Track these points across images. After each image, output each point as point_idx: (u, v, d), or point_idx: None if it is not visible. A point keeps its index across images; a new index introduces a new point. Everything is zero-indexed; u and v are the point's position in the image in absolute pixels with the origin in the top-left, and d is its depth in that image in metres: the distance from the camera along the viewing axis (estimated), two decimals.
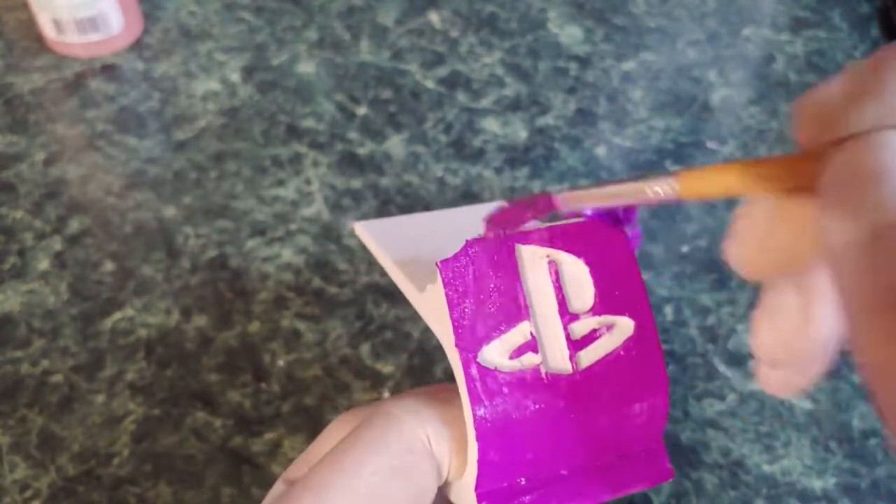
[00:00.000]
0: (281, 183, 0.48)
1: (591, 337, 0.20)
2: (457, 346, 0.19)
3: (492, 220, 0.21)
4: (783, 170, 0.15)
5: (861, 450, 0.38)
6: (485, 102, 0.53)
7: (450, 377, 0.38)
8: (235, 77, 0.54)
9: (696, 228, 0.47)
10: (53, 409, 0.38)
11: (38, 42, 0.56)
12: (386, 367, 0.40)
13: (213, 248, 0.45)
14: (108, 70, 0.55)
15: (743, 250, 0.18)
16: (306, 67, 0.55)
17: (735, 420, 0.39)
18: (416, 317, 0.42)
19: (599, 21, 0.60)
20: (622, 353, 0.20)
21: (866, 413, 0.39)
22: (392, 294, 0.43)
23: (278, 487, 0.21)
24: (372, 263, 0.44)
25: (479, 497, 0.19)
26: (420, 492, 0.19)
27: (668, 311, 0.43)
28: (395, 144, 0.50)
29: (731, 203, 0.48)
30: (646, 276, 0.44)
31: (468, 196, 0.48)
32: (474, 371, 0.19)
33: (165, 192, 0.47)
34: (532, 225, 0.21)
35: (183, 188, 0.48)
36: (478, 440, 0.19)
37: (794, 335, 0.17)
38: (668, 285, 0.44)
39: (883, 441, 0.38)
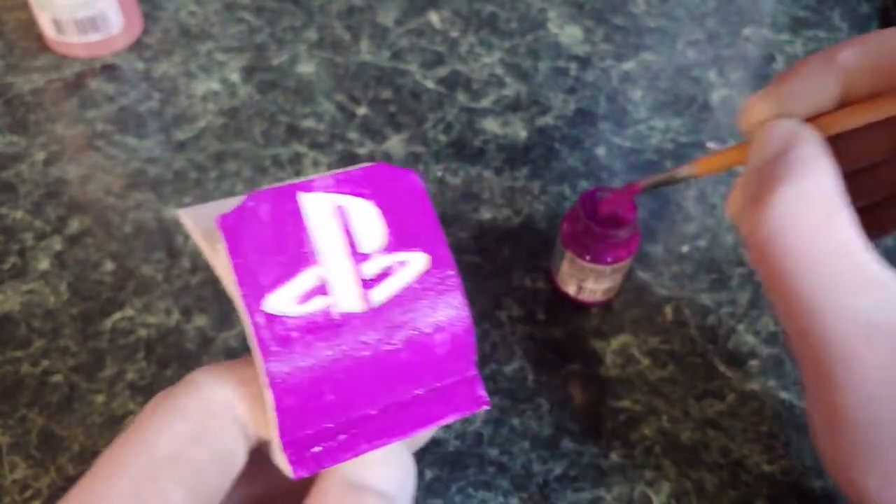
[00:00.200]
0: (281, 183, 0.48)
1: (383, 274, 0.20)
2: (241, 296, 0.19)
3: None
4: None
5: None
6: (485, 102, 0.53)
7: None
8: (235, 77, 0.54)
9: (696, 228, 0.47)
10: (53, 409, 0.38)
11: (38, 42, 0.56)
12: None
13: None
14: (108, 70, 0.55)
15: (734, 203, 0.26)
16: (306, 67, 0.55)
17: (735, 420, 0.39)
18: None
19: (599, 21, 0.60)
20: (417, 285, 0.20)
21: None
22: None
23: None
24: None
25: (284, 446, 0.19)
26: (225, 455, 0.19)
27: (668, 311, 0.43)
28: (395, 144, 0.50)
29: None
30: (646, 276, 0.44)
31: (468, 196, 0.48)
32: (260, 319, 0.18)
33: (165, 192, 0.47)
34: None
35: (183, 188, 0.48)
36: (270, 387, 0.18)
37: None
38: (668, 285, 0.44)
39: None
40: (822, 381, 0.22)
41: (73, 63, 0.55)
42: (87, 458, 0.37)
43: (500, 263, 0.45)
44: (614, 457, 0.38)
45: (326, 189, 0.20)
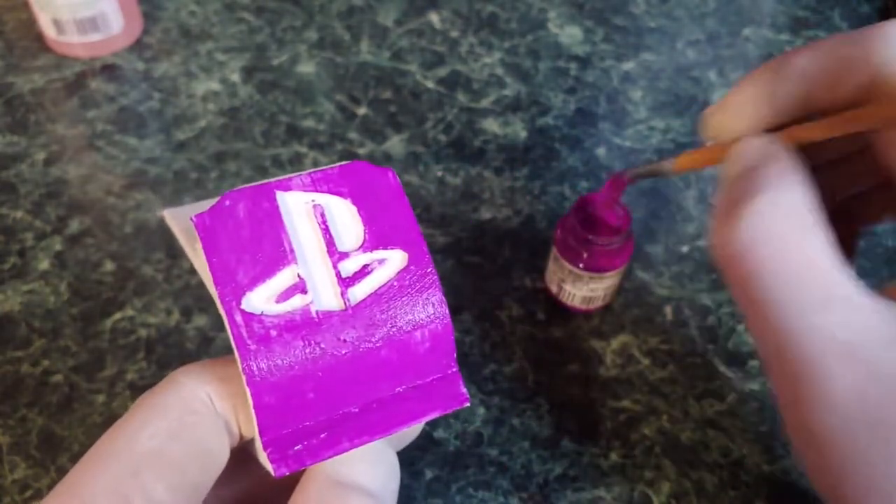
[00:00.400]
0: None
1: (362, 273, 0.20)
2: (219, 295, 0.19)
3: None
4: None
5: None
6: (485, 102, 0.53)
7: None
8: (235, 77, 0.54)
9: (696, 228, 0.47)
10: (53, 409, 0.38)
11: (38, 42, 0.56)
12: None
13: None
14: (109, 70, 0.55)
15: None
16: (306, 67, 0.55)
17: (735, 420, 0.39)
18: None
19: (599, 21, 0.60)
20: (395, 283, 0.20)
21: None
22: None
23: None
24: None
25: (265, 444, 0.19)
26: (205, 452, 0.19)
27: (668, 311, 0.43)
28: (395, 144, 0.50)
29: None
30: (646, 276, 0.44)
31: (468, 196, 0.48)
32: (238, 318, 0.19)
33: (166, 192, 0.47)
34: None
35: (183, 188, 0.48)
36: (249, 386, 0.18)
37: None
38: (668, 285, 0.44)
39: None
40: (795, 399, 0.22)
41: (74, 63, 0.55)
42: None
43: (500, 263, 0.45)
44: (614, 457, 0.38)
45: (304, 188, 0.20)
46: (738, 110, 0.25)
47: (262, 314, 0.19)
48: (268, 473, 0.19)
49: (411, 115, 0.52)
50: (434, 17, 0.60)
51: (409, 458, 0.37)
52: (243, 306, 0.19)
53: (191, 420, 0.19)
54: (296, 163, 0.49)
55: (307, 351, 0.19)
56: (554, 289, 0.42)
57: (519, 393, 0.39)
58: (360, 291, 0.20)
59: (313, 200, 0.20)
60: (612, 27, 0.59)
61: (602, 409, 0.39)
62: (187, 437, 0.19)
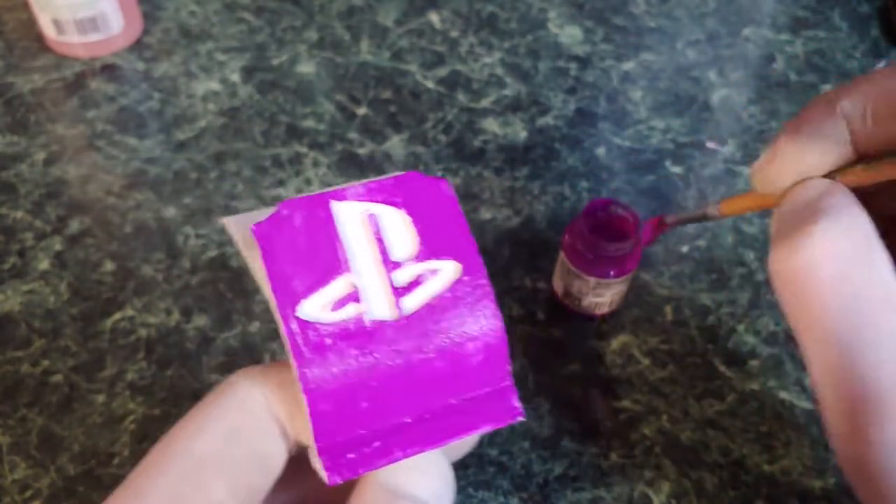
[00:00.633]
0: (281, 183, 0.48)
1: (415, 283, 0.20)
2: (276, 303, 0.19)
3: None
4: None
5: None
6: (485, 102, 0.53)
7: None
8: (235, 77, 0.54)
9: (696, 228, 0.47)
10: (53, 409, 0.38)
11: (38, 42, 0.56)
12: None
13: (214, 248, 0.45)
14: (109, 70, 0.55)
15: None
16: (306, 67, 0.55)
17: (735, 420, 0.39)
18: None
19: (599, 21, 0.60)
20: (448, 294, 0.20)
21: None
22: None
23: None
24: None
25: (319, 451, 0.19)
26: (263, 455, 0.19)
27: (668, 311, 0.43)
28: (395, 144, 0.50)
29: None
30: (646, 276, 0.44)
31: (468, 196, 0.48)
32: (294, 326, 0.19)
33: (166, 192, 0.47)
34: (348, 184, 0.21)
35: (183, 188, 0.48)
36: (305, 393, 0.19)
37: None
38: (668, 285, 0.44)
39: None
40: (853, 432, 0.21)
41: (73, 63, 0.55)
42: (87, 457, 0.37)
43: (500, 263, 0.45)
44: (614, 457, 0.38)
45: (358, 197, 0.20)
46: (786, 162, 0.25)
47: (317, 322, 0.19)
48: (321, 481, 0.20)
49: (411, 115, 0.52)
50: (434, 17, 0.60)
51: None
52: (299, 314, 0.19)
53: (249, 423, 0.19)
54: (296, 163, 0.49)
55: (361, 360, 0.19)
56: (560, 294, 0.42)
57: (519, 393, 0.39)
58: (413, 302, 0.20)
59: (367, 210, 0.21)
60: (612, 27, 0.59)
61: (602, 409, 0.39)
62: (245, 439, 0.19)
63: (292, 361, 0.19)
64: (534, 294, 0.43)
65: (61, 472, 0.36)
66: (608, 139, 0.52)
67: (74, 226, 0.46)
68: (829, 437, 0.22)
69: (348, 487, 0.20)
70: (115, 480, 0.36)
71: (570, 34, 0.59)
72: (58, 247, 0.45)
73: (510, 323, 0.42)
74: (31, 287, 0.43)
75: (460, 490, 0.36)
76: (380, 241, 0.20)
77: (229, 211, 0.46)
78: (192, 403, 0.20)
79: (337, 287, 0.20)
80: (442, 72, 0.55)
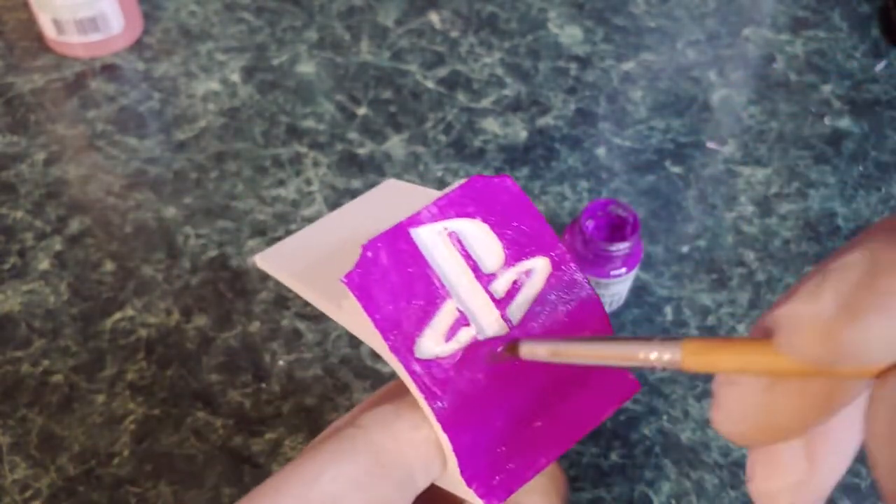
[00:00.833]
0: (281, 183, 0.48)
1: (513, 289, 0.20)
2: (391, 350, 0.19)
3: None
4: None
5: (861, 450, 0.38)
6: (485, 102, 0.53)
7: None
8: (235, 77, 0.54)
9: (696, 228, 0.47)
10: (53, 409, 0.38)
11: (38, 42, 0.56)
12: (386, 367, 0.40)
13: (214, 248, 0.45)
14: (109, 70, 0.55)
15: (732, 424, 0.15)
16: (306, 67, 0.55)
17: None
18: None
19: (599, 21, 0.60)
20: (547, 291, 0.20)
21: None
22: None
23: None
24: None
25: (468, 481, 0.19)
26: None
27: (668, 311, 0.43)
28: (395, 144, 0.50)
29: (731, 203, 0.48)
30: (646, 276, 0.44)
31: None
32: (417, 368, 0.19)
33: (166, 192, 0.47)
34: (418, 204, 0.21)
35: (183, 188, 0.48)
36: (446, 432, 0.19)
37: (799, 485, 0.16)
38: (668, 285, 0.44)
39: None
40: None
41: (73, 63, 0.55)
42: (87, 458, 0.37)
43: None
44: (614, 457, 0.38)
45: (433, 218, 0.20)
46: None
47: (436, 357, 0.19)
48: None
49: (411, 115, 0.52)
50: (434, 17, 0.60)
51: None
52: (417, 354, 0.19)
53: (377, 472, 0.19)
54: (296, 163, 0.49)
55: (487, 381, 0.19)
56: None
57: None
58: (517, 309, 0.20)
59: (445, 228, 0.20)
60: (612, 27, 0.59)
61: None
62: (370, 489, 0.19)
63: (423, 403, 0.19)
64: None
65: (61, 472, 0.36)
66: (608, 139, 0.52)
67: (74, 226, 0.46)
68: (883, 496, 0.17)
69: None
70: (115, 480, 0.36)
71: (570, 34, 0.59)
72: (58, 247, 0.45)
73: None
74: (31, 287, 0.43)
75: None
76: (468, 257, 0.20)
77: (229, 211, 0.46)
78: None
79: (444, 316, 0.19)
80: (442, 72, 0.55)
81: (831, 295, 0.12)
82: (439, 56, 0.57)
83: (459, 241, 0.20)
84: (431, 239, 0.20)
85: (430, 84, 0.55)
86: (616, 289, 0.40)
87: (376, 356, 0.40)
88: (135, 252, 0.44)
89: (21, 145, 0.50)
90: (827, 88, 0.55)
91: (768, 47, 0.58)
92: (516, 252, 0.20)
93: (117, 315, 0.42)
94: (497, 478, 0.19)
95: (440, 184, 0.48)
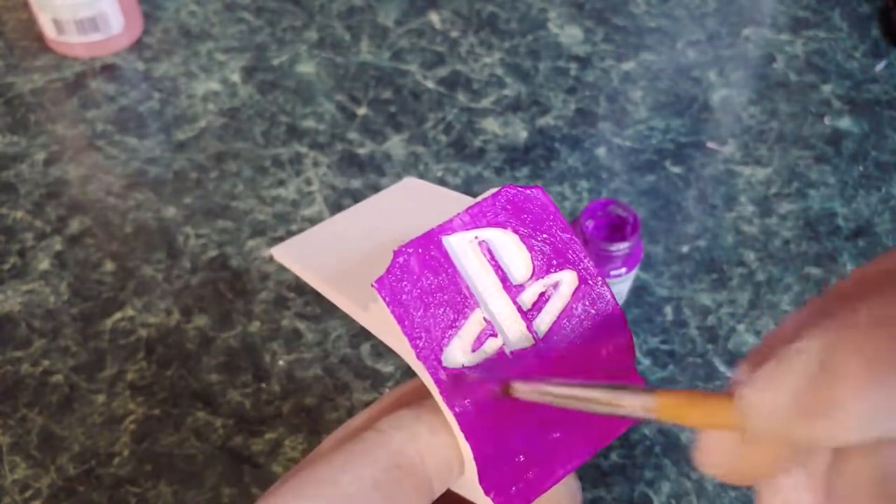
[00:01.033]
0: (281, 183, 0.48)
1: (540, 301, 0.20)
2: (418, 357, 0.19)
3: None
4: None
5: None
6: (485, 102, 0.53)
7: None
8: (235, 77, 0.54)
9: (696, 228, 0.47)
10: (53, 409, 0.38)
11: (38, 42, 0.56)
12: (386, 367, 0.40)
13: (214, 248, 0.45)
14: (109, 70, 0.55)
15: (712, 466, 0.17)
16: (306, 67, 0.55)
17: None
18: None
19: (599, 21, 0.60)
20: (574, 305, 0.21)
21: None
22: None
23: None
24: None
25: (486, 490, 0.19)
26: None
27: (668, 311, 0.43)
28: (395, 144, 0.50)
29: (731, 203, 0.48)
30: (646, 276, 0.44)
31: (468, 196, 0.48)
32: (443, 376, 0.19)
33: (166, 192, 0.47)
34: (442, 207, 0.21)
35: (183, 188, 0.48)
36: (468, 440, 0.19)
37: None
38: (668, 285, 0.44)
39: None
40: None
41: (73, 63, 0.55)
42: (87, 458, 0.37)
43: None
44: (614, 457, 0.38)
45: (464, 226, 0.20)
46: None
47: (462, 367, 0.19)
48: None
49: (411, 115, 0.52)
50: (434, 17, 0.60)
51: None
52: (445, 363, 0.19)
53: (396, 474, 0.19)
54: (296, 163, 0.49)
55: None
56: None
57: None
58: (543, 322, 0.20)
59: (476, 237, 0.21)
60: (612, 27, 0.59)
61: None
62: (389, 492, 0.19)
63: (447, 411, 0.19)
64: None
65: (61, 472, 0.36)
66: (608, 139, 0.52)
67: (74, 226, 0.46)
68: None
69: None
70: (115, 480, 0.36)
71: (570, 34, 0.59)
72: (58, 247, 0.45)
73: None
74: (31, 287, 0.43)
75: None
76: (497, 267, 0.20)
77: (229, 211, 0.46)
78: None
79: (472, 326, 0.20)
80: (442, 72, 0.55)
81: (785, 392, 0.13)
82: (439, 56, 0.57)
83: (489, 251, 0.21)
84: (462, 247, 0.20)
85: (430, 84, 0.55)
86: (616, 289, 0.40)
87: (376, 356, 0.40)
88: (135, 252, 0.44)
89: (21, 145, 0.50)
90: (827, 88, 0.55)
91: (768, 47, 0.58)
92: (545, 264, 0.21)
93: (117, 315, 0.42)
94: (515, 487, 0.19)
95: (440, 184, 0.48)
